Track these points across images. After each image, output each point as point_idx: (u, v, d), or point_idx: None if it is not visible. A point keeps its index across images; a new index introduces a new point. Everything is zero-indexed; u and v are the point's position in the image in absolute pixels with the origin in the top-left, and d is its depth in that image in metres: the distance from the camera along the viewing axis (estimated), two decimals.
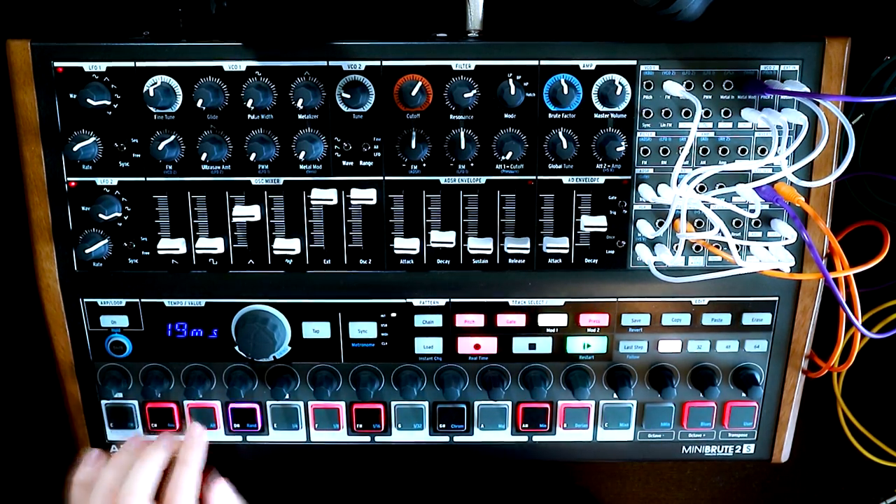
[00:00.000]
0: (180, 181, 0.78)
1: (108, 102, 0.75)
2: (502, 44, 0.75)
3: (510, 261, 0.80)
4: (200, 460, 0.78)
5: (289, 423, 0.86)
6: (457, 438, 0.87)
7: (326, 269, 0.80)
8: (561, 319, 0.82)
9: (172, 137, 0.76)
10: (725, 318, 0.82)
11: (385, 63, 0.75)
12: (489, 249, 0.79)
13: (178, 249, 0.79)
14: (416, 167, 0.77)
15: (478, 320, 0.82)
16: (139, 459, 0.77)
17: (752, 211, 0.77)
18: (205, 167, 0.77)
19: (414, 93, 0.74)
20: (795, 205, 0.74)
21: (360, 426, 0.86)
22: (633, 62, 0.75)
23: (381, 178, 0.78)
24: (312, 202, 0.77)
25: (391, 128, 0.76)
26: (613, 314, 0.82)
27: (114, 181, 0.78)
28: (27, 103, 0.76)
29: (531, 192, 0.78)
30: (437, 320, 0.82)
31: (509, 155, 0.75)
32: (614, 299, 0.81)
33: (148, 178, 0.78)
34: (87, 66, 0.75)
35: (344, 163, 0.77)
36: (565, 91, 0.74)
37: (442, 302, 0.82)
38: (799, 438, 0.87)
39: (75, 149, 0.75)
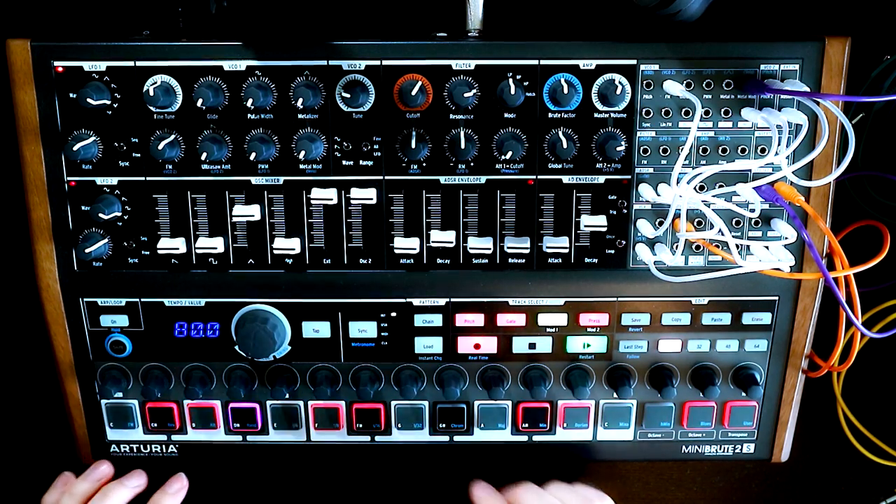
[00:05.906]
0: (180, 181, 0.78)
1: (108, 102, 0.75)
2: (502, 43, 0.75)
3: (510, 260, 0.80)
4: None
5: (289, 423, 0.86)
6: (457, 438, 0.87)
7: (326, 268, 0.80)
8: (561, 319, 0.82)
9: (172, 137, 0.76)
10: (725, 318, 0.82)
11: (385, 63, 0.75)
12: (489, 249, 0.79)
13: (178, 249, 0.79)
14: (416, 167, 0.77)
15: (478, 320, 0.82)
16: (106, 490, 0.80)
17: (752, 210, 0.77)
18: (205, 167, 0.77)
19: (414, 92, 0.74)
20: (795, 204, 0.74)
21: (360, 426, 0.86)
22: (633, 62, 0.75)
23: (381, 177, 0.78)
24: (312, 202, 0.77)
25: (391, 127, 0.76)
26: (613, 314, 0.82)
27: (114, 181, 0.78)
28: (27, 103, 0.76)
29: (531, 191, 0.78)
30: (437, 320, 0.82)
31: (509, 154, 0.75)
32: (614, 299, 0.81)
33: (148, 178, 0.78)
34: (87, 66, 0.75)
35: (344, 162, 0.77)
36: (565, 91, 0.74)
37: (442, 301, 0.82)
38: (799, 438, 0.87)
39: (75, 148, 0.75)
